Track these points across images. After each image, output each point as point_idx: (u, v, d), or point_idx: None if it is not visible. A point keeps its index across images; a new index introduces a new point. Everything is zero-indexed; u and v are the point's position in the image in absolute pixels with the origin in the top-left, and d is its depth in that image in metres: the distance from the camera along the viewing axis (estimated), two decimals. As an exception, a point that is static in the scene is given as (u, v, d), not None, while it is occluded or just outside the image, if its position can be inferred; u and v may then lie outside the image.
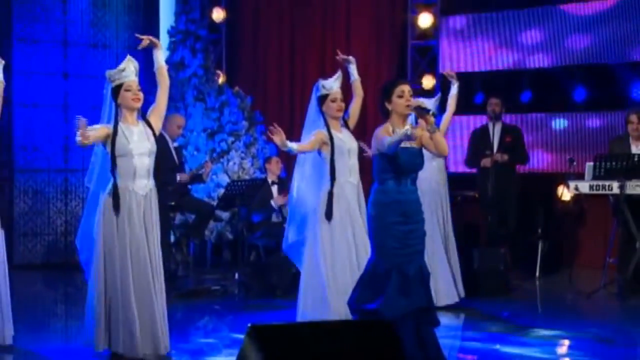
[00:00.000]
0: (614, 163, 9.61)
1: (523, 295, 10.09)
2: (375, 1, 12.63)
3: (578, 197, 10.59)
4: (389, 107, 6.45)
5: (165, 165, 9.62)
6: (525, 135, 11.34)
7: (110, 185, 6.54)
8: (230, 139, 11.30)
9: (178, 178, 9.68)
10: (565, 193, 10.98)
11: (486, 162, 10.75)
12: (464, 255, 9.87)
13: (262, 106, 12.31)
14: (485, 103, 11.43)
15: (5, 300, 7.09)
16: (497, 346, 7.44)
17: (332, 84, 7.62)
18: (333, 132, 7.51)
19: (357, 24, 12.64)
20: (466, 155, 11.31)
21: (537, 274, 11.03)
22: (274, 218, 10.31)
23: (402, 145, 6.33)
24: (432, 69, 12.49)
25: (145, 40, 6.82)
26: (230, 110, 11.50)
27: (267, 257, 10.38)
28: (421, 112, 6.37)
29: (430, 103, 9.15)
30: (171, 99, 11.52)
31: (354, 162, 7.49)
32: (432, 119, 6.34)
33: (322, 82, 7.72)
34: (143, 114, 6.73)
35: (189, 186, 10.17)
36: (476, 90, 12.21)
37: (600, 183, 9.62)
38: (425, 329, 6.42)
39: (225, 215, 10.98)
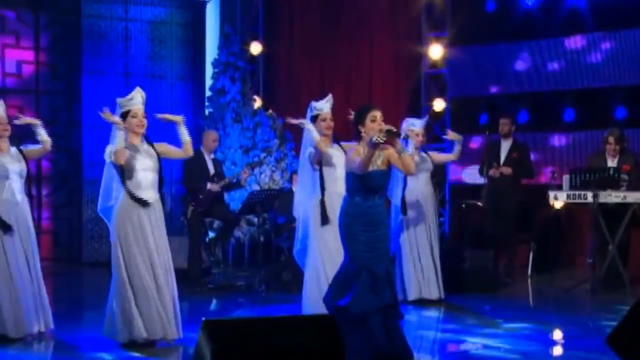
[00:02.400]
0: (588, 175, 9.67)
1: (508, 291, 10.06)
2: (394, 36, 12.67)
3: (568, 206, 10.62)
4: (362, 130, 6.33)
5: (200, 175, 9.89)
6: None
7: (121, 197, 6.70)
8: (263, 155, 11.51)
9: (208, 186, 9.82)
10: (557, 202, 10.96)
11: (493, 173, 10.85)
12: (457, 257, 9.98)
13: (294, 127, 12.44)
14: (488, 123, 11.47)
15: (38, 293, 7.17)
16: (469, 338, 7.46)
17: (323, 106, 7.66)
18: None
19: (379, 55, 12.75)
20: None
21: (529, 272, 11.08)
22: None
23: (373, 167, 6.24)
24: (443, 94, 12.58)
25: (166, 117, 6.98)
26: (263, 130, 11.71)
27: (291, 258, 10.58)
28: (391, 135, 6.18)
29: (419, 123, 9.31)
30: (212, 120, 11.96)
31: (340, 174, 7.23)
32: (399, 144, 6.25)
33: (314, 103, 7.72)
34: (147, 137, 6.86)
35: (225, 193, 10.26)
36: (480, 112, 12.31)
37: (577, 193, 9.66)
38: (392, 323, 6.36)
39: (256, 219, 11.18)
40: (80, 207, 12.34)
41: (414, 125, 9.23)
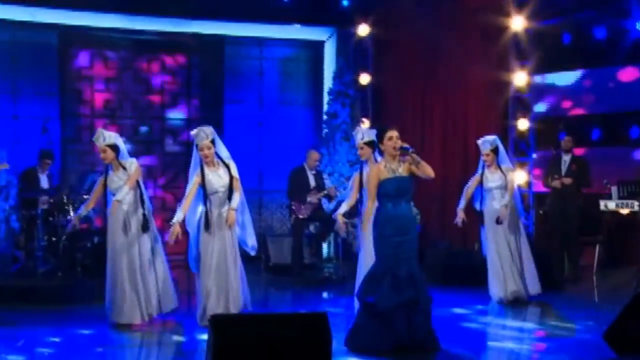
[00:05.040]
0: (634, 186, 9.86)
1: (569, 289, 10.07)
2: (485, 65, 12.69)
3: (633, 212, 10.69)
4: (382, 147, 6.61)
5: (302, 188, 10.68)
6: (593, 165, 11.56)
7: (202, 212, 7.41)
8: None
9: (308, 199, 10.61)
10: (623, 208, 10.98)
11: (555, 184, 11.12)
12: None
13: None
14: (566, 141, 11.69)
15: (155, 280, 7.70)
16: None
17: (369, 134, 7.65)
18: (365, 168, 7.65)
19: (473, 81, 12.84)
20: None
21: (594, 271, 11.15)
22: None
23: (395, 174, 6.50)
24: (527, 115, 12.85)
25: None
26: (367, 147, 12.36)
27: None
28: (404, 151, 6.52)
29: (482, 145, 9.22)
30: (326, 139, 12.73)
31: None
32: (414, 156, 6.47)
33: (365, 131, 7.83)
34: (221, 159, 7.51)
35: (322, 202, 10.98)
36: (559, 130, 12.51)
37: (624, 202, 9.87)
38: (414, 317, 6.48)
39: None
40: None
41: (480, 146, 9.28)
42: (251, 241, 7.75)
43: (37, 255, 9.36)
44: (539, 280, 9.25)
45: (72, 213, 9.44)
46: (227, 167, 7.54)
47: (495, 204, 9.15)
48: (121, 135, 11.21)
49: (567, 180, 10.96)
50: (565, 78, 12.64)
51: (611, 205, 9.98)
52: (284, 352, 4.74)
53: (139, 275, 7.58)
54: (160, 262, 7.77)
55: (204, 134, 7.46)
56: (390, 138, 6.56)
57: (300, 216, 10.58)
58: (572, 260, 11.09)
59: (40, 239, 9.33)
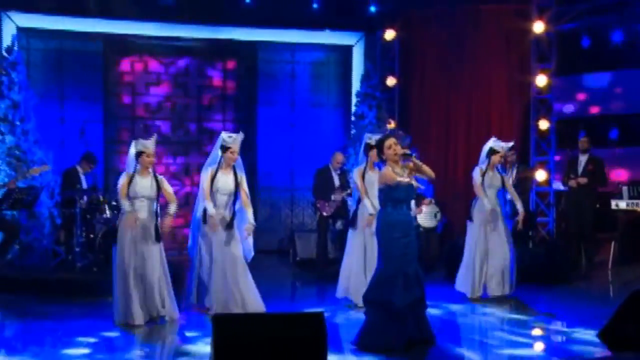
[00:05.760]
0: (644, 187, 9.95)
1: (573, 282, 10.11)
2: (508, 68, 12.99)
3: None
4: (383, 156, 6.71)
5: (326, 188, 10.91)
6: (612, 163, 11.62)
7: (202, 211, 7.77)
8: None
9: (332, 197, 10.86)
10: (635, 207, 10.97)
11: (572, 183, 11.24)
12: (539, 253, 10.27)
13: (424, 144, 12.57)
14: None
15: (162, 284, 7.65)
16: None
17: (375, 138, 7.97)
18: (368, 169, 8.21)
19: (496, 84, 13.11)
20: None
21: (610, 267, 11.20)
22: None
23: (401, 181, 6.58)
24: (548, 115, 12.94)
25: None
26: (391, 146, 12.54)
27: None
28: (406, 157, 6.63)
29: (504, 145, 9.21)
30: (354, 139, 12.95)
31: (375, 193, 7.41)
32: (415, 160, 6.62)
33: (368, 134, 8.25)
34: (234, 167, 7.84)
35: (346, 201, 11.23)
36: (579, 130, 12.55)
37: (634, 201, 9.96)
38: (420, 313, 6.69)
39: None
40: (256, 208, 13.47)
41: (499, 144, 9.17)
42: (247, 246, 8.02)
43: (75, 251, 9.77)
44: (514, 279, 9.16)
45: (107, 212, 9.86)
46: (236, 177, 7.89)
47: (487, 203, 9.05)
48: (160, 136, 11.73)
49: (583, 180, 11.09)
50: (585, 80, 12.67)
51: (622, 204, 10.09)
52: (283, 350, 4.86)
53: (140, 279, 7.56)
54: (166, 272, 7.76)
55: (240, 139, 7.85)
56: (390, 147, 6.67)
57: (325, 214, 10.86)
58: (588, 256, 11.20)
59: (78, 236, 9.75)
